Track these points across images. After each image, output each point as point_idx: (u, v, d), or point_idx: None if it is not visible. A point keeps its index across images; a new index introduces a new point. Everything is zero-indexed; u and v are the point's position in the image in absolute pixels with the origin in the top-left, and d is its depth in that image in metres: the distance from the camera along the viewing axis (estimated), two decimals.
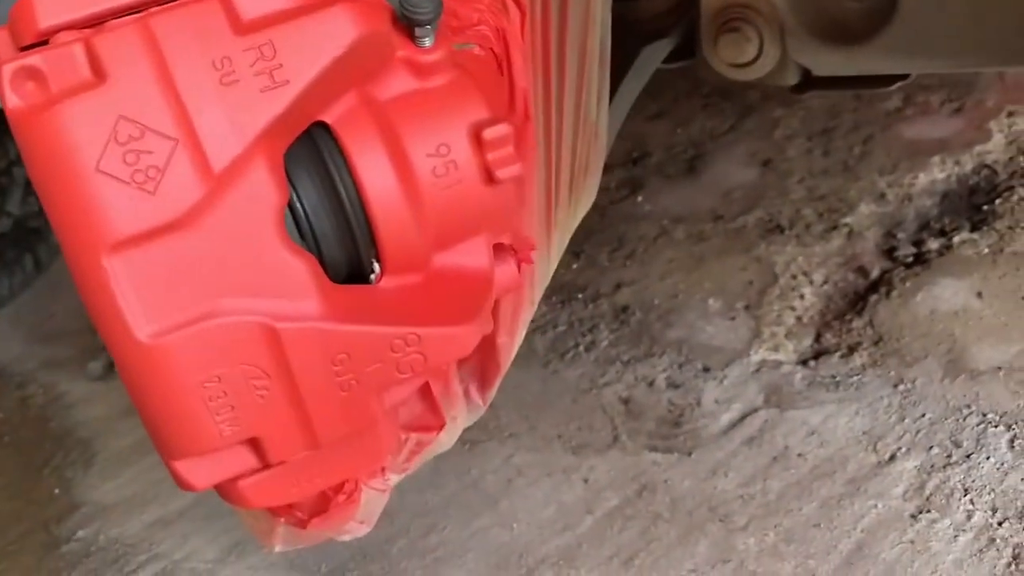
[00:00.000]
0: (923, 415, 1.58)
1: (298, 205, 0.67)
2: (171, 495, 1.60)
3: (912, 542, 1.39)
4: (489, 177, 0.69)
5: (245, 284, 0.63)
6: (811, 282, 1.90)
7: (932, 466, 1.49)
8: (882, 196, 2.06)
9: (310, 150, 0.67)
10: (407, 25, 0.67)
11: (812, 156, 2.27)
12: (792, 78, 1.23)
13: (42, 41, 0.62)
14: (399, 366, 0.68)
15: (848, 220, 2.00)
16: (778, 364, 1.73)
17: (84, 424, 1.83)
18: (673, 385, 1.72)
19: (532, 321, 1.91)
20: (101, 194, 0.60)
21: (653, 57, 1.25)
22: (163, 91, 0.60)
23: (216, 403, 0.65)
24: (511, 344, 0.99)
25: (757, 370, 1.72)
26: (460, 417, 1.02)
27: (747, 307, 1.86)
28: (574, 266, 2.03)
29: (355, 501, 0.88)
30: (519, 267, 0.78)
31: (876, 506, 1.45)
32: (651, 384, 1.72)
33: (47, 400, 1.89)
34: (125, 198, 0.60)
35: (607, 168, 2.34)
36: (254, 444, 0.68)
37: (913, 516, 1.42)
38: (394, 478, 0.99)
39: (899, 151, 2.18)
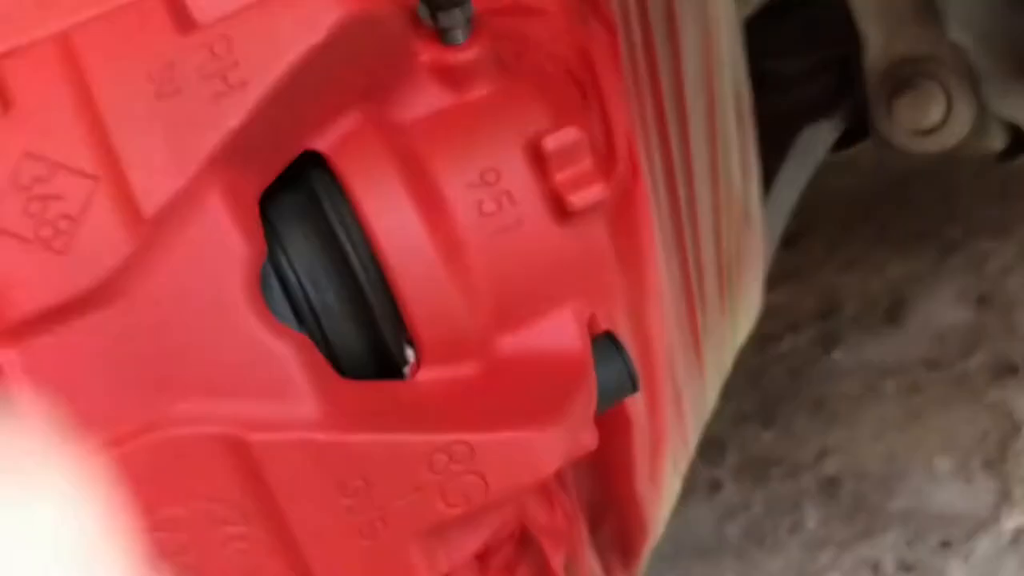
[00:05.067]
0: None
1: (289, 272, 0.47)
2: None
3: None
4: (560, 209, 0.48)
5: (200, 379, 0.43)
6: None
7: None
8: None
9: (300, 193, 0.48)
10: (429, 12, 0.48)
11: None
12: (997, 141, 0.97)
13: None
14: (445, 494, 0.45)
15: None
16: None
17: None
18: (905, 567, 1.37)
19: (720, 505, 1.63)
20: None
21: (815, 140, 1.02)
22: (79, 115, 0.43)
23: (173, 563, 0.44)
24: (656, 495, 0.74)
25: (1014, 540, 1.36)
26: None
27: (986, 464, 1.51)
28: (765, 437, 1.74)
29: None
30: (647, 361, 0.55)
31: None
32: (876, 568, 1.38)
33: None
34: (25, 263, 0.42)
35: (795, 326, 2.07)
36: None
37: None
38: None
39: None
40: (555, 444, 0.47)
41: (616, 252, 0.66)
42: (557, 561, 0.69)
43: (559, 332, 0.50)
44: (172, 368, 0.43)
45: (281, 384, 0.44)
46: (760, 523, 1.52)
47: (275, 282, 0.47)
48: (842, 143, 1.05)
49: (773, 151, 0.94)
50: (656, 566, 1.52)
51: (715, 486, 1.64)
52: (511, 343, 0.49)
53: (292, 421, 0.44)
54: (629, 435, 0.69)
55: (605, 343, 0.55)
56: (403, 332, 0.48)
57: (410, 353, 0.49)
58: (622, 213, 0.64)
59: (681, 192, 0.72)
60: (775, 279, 2.29)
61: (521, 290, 0.49)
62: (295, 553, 0.44)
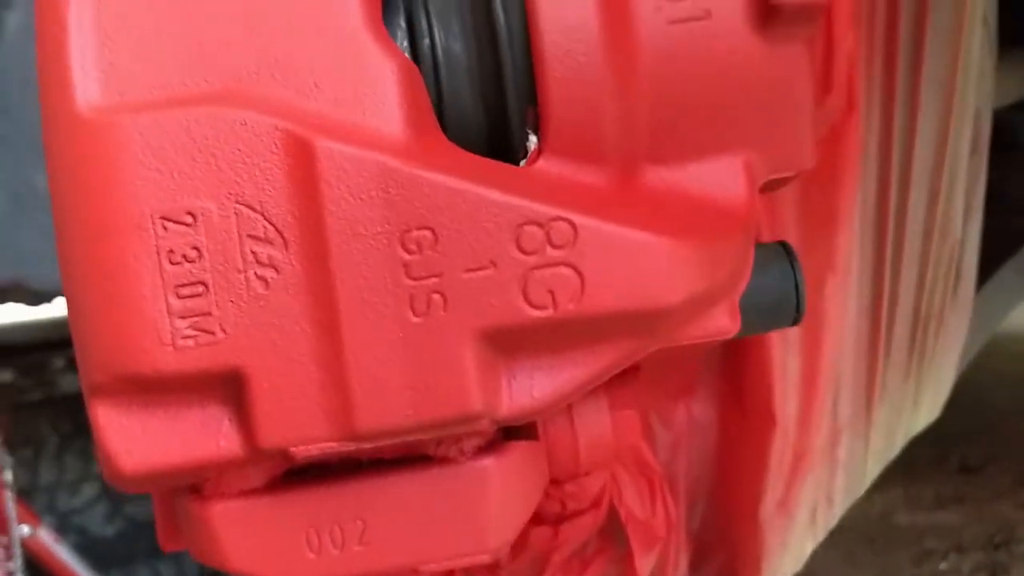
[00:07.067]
0: None
1: (419, 6, 0.40)
2: None
3: None
4: (765, 13, 0.38)
5: (281, 61, 0.35)
6: None
7: None
8: None
9: None
10: None
11: None
12: None
13: None
14: (528, 287, 0.35)
15: None
16: None
17: None
18: None
19: None
20: None
21: None
22: None
23: (176, 271, 0.35)
24: (782, 530, 0.59)
25: None
26: None
27: None
28: None
29: None
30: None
31: None
32: None
33: None
34: None
35: (961, 548, 1.83)
36: (235, 391, 0.36)
37: None
38: None
39: None
40: (679, 265, 0.36)
41: (808, 201, 0.55)
42: (643, 565, 0.56)
43: (722, 178, 0.40)
44: (247, 39, 0.35)
45: (371, 94, 0.35)
46: None
47: (402, 16, 0.39)
48: None
49: (993, 243, 0.82)
50: None
51: None
52: (660, 175, 0.39)
53: (370, 137, 0.35)
54: (770, 434, 0.56)
55: (776, 249, 0.44)
56: (529, 110, 0.39)
57: (533, 141, 0.39)
58: (825, 152, 0.53)
59: (893, 185, 0.61)
60: (949, 499, 2.06)
61: (688, 110, 0.39)
62: (326, 305, 0.35)
